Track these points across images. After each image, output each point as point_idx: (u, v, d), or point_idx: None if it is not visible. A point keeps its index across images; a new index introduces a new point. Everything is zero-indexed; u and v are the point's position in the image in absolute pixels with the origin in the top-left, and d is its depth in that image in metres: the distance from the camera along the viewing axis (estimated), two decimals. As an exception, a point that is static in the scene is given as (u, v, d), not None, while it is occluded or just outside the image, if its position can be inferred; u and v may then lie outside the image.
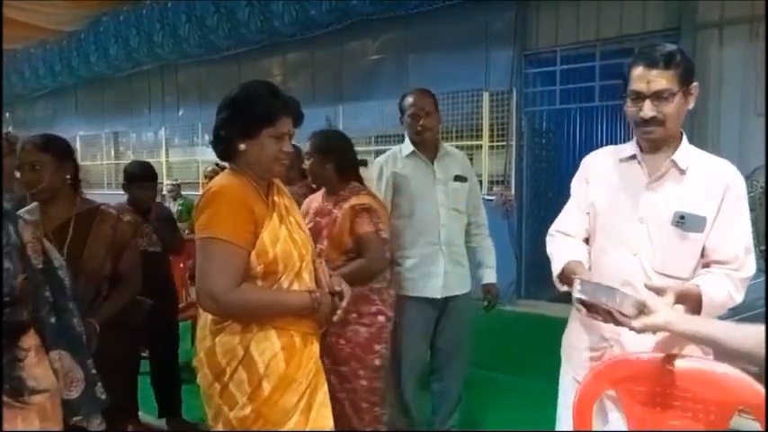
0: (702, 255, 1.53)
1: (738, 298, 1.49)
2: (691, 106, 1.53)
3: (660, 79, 1.46)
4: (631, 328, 1.28)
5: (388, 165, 2.59)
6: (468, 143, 6.46)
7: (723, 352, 1.25)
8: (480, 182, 6.38)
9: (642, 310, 1.27)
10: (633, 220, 1.57)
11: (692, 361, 1.43)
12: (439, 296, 2.53)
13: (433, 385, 2.74)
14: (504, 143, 6.21)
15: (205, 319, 1.63)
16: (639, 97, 1.49)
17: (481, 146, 6.38)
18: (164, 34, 7.84)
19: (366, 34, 7.12)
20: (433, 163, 2.58)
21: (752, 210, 3.65)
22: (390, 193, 2.55)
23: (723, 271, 1.49)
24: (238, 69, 8.50)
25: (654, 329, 1.28)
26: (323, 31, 7.22)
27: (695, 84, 1.52)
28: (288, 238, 1.60)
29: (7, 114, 12.74)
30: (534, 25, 6.00)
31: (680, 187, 1.53)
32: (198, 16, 7.39)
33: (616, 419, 1.51)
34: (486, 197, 6.24)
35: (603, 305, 1.30)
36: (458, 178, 2.61)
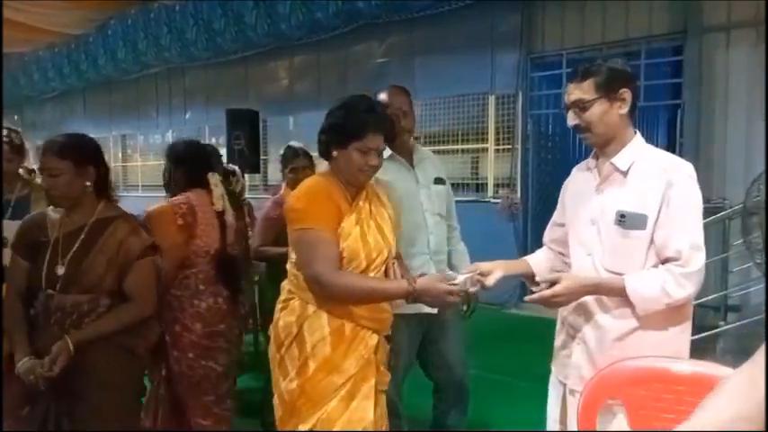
0: (656, 253, 1.57)
1: (678, 293, 1.49)
2: (623, 111, 1.61)
3: (575, 91, 1.64)
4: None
5: None
6: (474, 146, 6.47)
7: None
8: (486, 185, 6.40)
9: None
10: (586, 223, 1.69)
11: (695, 365, 1.44)
12: (435, 311, 2.26)
13: (438, 406, 2.56)
14: (510, 146, 6.20)
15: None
16: (567, 108, 1.69)
17: (487, 149, 6.38)
18: (171, 37, 7.90)
19: (372, 37, 7.14)
20: (413, 167, 2.39)
21: (755, 214, 3.63)
22: None
23: (666, 266, 1.53)
24: (245, 72, 8.54)
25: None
26: (329, 35, 7.25)
27: (624, 89, 1.60)
28: (359, 238, 1.73)
29: (16, 117, 12.84)
30: (540, 28, 6.00)
31: (622, 188, 1.62)
32: (205, 19, 7.44)
33: (618, 422, 1.52)
34: (492, 200, 6.25)
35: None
36: (438, 181, 2.45)
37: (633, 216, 1.56)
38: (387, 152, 2.27)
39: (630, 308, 1.55)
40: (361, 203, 1.80)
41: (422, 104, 6.76)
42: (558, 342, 1.80)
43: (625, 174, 1.61)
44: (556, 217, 1.92)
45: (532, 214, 6.21)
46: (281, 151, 3.23)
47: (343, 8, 6.33)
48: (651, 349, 1.52)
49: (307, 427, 1.69)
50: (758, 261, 3.67)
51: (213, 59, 8.42)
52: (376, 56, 7.20)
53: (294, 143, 3.14)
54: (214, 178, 2.28)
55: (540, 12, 5.97)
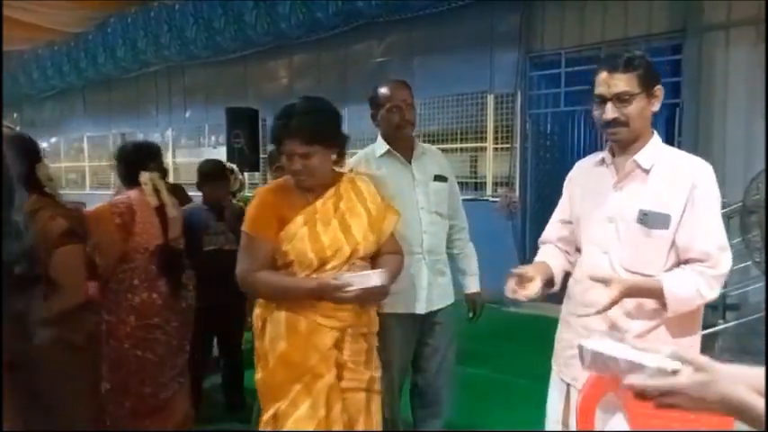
0: (677, 253, 1.56)
1: (710, 295, 1.51)
2: (655, 108, 1.59)
3: (619, 82, 1.54)
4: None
5: (360, 166, 2.27)
6: (473, 145, 6.47)
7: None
8: (484, 184, 6.41)
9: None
10: (603, 220, 1.64)
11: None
12: (423, 312, 2.28)
13: (415, 411, 2.46)
14: (509, 145, 6.21)
15: None
16: (603, 100, 1.57)
17: (485, 148, 6.39)
18: (171, 36, 7.90)
19: (371, 36, 7.14)
20: (410, 162, 2.31)
21: (756, 212, 3.63)
22: None
23: (697, 268, 1.52)
24: (244, 71, 8.55)
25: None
26: (329, 34, 7.25)
27: (658, 87, 1.57)
28: (305, 238, 1.76)
29: (15, 115, 12.83)
30: (539, 27, 6.00)
31: (644, 186, 1.58)
32: (205, 18, 7.44)
33: (618, 421, 1.52)
34: (491, 199, 6.25)
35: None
36: (438, 178, 2.35)
37: (656, 215, 1.53)
38: (383, 147, 2.30)
39: (648, 308, 1.54)
40: (319, 203, 1.80)
41: (421, 103, 6.75)
42: (561, 342, 1.77)
43: (647, 172, 1.58)
44: (562, 214, 1.86)
45: (531, 213, 6.22)
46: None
47: (343, 7, 6.33)
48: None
49: (266, 418, 1.79)
50: (757, 260, 3.68)
51: (213, 58, 8.42)
52: (375, 55, 7.21)
53: None
54: (144, 177, 2.31)
55: (540, 11, 5.97)
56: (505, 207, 6.06)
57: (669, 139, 5.94)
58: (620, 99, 1.54)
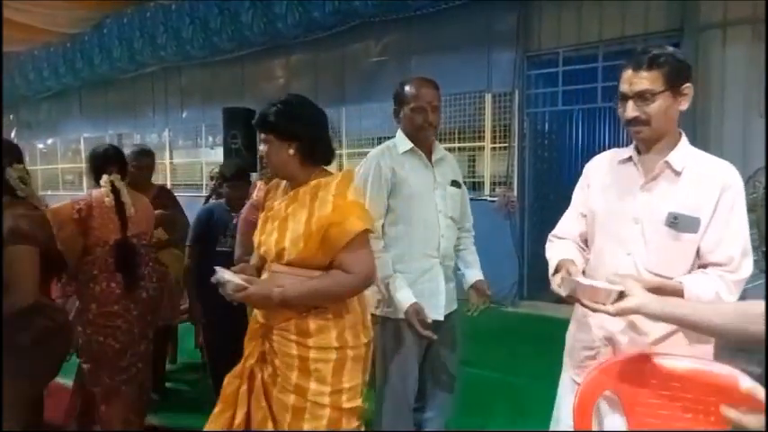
0: (698, 256, 1.54)
1: (729, 299, 1.49)
2: (683, 107, 1.54)
3: (642, 80, 1.51)
4: (608, 313, 1.33)
5: (385, 159, 2.18)
6: (471, 144, 6.47)
7: (697, 330, 1.30)
8: (482, 183, 6.40)
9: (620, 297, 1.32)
10: (628, 221, 1.59)
11: (693, 362, 1.44)
12: (441, 318, 2.20)
13: (414, 415, 2.36)
14: (507, 145, 6.21)
15: None
16: (625, 98, 1.55)
17: (483, 147, 6.38)
18: (167, 36, 7.89)
19: (369, 36, 7.13)
20: (432, 164, 2.26)
21: (753, 211, 3.64)
22: (386, 194, 2.16)
23: (717, 272, 1.50)
24: (241, 71, 8.53)
25: (628, 313, 1.31)
26: (326, 34, 7.24)
27: (687, 85, 1.52)
28: (257, 233, 1.86)
29: (11, 116, 12.79)
30: (537, 27, 6.00)
31: (674, 188, 1.55)
32: (201, 18, 7.43)
33: (616, 421, 1.52)
34: (489, 198, 6.25)
35: (581, 299, 1.39)
36: (454, 183, 2.32)
37: (686, 219, 1.50)
38: (407, 145, 2.20)
39: None
40: (277, 202, 1.84)
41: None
42: (576, 342, 1.73)
43: (679, 174, 1.54)
44: (580, 207, 1.78)
45: (529, 212, 6.22)
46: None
47: (340, 7, 6.33)
48: (684, 352, 1.49)
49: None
50: (756, 258, 3.68)
51: (210, 58, 8.40)
52: (372, 55, 7.20)
53: None
54: (104, 179, 2.52)
55: (537, 10, 5.97)
56: (504, 206, 6.06)
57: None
58: (642, 97, 1.51)
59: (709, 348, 1.58)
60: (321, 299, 1.73)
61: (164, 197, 3.45)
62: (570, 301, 1.47)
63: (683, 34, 5.06)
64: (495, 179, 6.37)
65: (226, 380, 1.86)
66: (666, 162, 1.55)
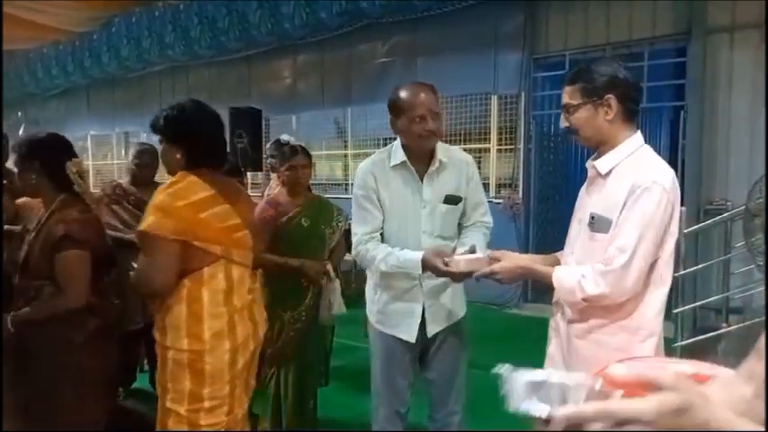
0: None
1: (591, 290, 1.54)
2: (609, 117, 1.61)
3: (564, 95, 1.69)
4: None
5: (375, 172, 2.09)
6: (477, 146, 6.47)
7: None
8: (488, 185, 6.40)
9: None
10: (575, 221, 1.76)
11: (696, 367, 1.43)
12: (413, 340, 2.13)
13: (429, 425, 2.34)
14: (513, 146, 6.21)
15: None
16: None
17: (489, 149, 6.39)
18: (175, 36, 7.92)
19: (375, 37, 7.14)
20: (422, 180, 2.08)
21: (758, 216, 3.61)
22: (379, 205, 2.11)
23: (591, 264, 1.58)
24: (248, 71, 8.56)
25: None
26: (332, 34, 7.25)
27: (609, 96, 1.60)
28: None
29: (19, 113, 12.87)
30: (543, 29, 6.00)
31: (599, 190, 1.66)
32: (209, 18, 7.46)
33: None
34: (494, 200, 6.25)
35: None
36: (449, 200, 2.11)
37: (601, 219, 1.60)
38: (400, 158, 2.07)
39: (591, 308, 1.60)
40: None
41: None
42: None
43: (605, 177, 1.64)
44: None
45: (534, 215, 6.21)
46: (271, 146, 3.15)
47: (347, 8, 6.34)
48: (608, 354, 1.47)
49: None
50: (760, 263, 3.66)
51: (217, 58, 8.43)
52: (379, 55, 7.21)
53: (292, 139, 2.96)
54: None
55: (544, 12, 5.97)
56: (509, 208, 6.06)
57: (673, 142, 5.93)
58: (566, 109, 1.67)
59: (647, 349, 1.58)
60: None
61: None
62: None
63: (690, 37, 5.05)
64: (500, 181, 6.36)
65: None
66: (594, 166, 1.68)
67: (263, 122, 6.53)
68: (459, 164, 2.16)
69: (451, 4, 6.27)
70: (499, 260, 1.75)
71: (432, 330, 2.16)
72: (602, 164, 1.64)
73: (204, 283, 1.81)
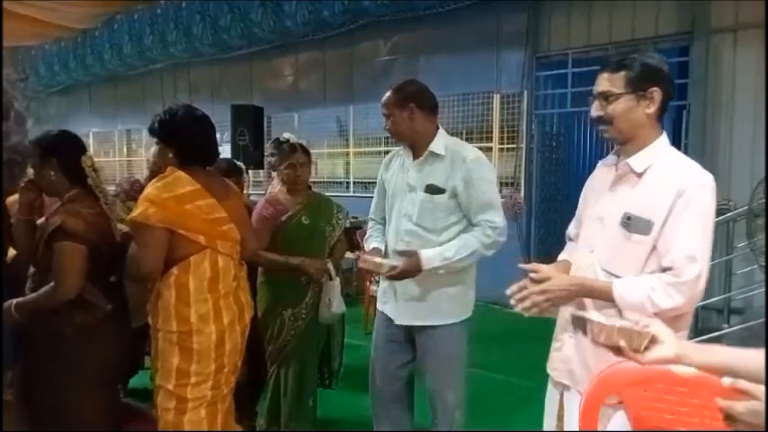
0: (658, 260, 1.55)
1: (666, 303, 1.48)
2: (650, 111, 1.56)
3: (605, 81, 1.58)
4: (639, 362, 1.22)
5: (388, 158, 2.45)
6: (479, 145, 6.44)
7: (742, 378, 1.17)
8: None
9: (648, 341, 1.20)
10: (594, 219, 1.67)
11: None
12: (396, 321, 2.30)
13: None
14: (515, 146, 6.20)
15: None
16: (593, 98, 1.62)
17: (491, 148, 6.37)
18: (177, 33, 7.91)
19: (377, 35, 7.13)
20: (413, 165, 2.26)
21: (760, 216, 3.60)
22: (383, 190, 2.44)
23: (658, 275, 1.51)
24: (250, 69, 8.55)
25: (663, 362, 1.21)
26: (334, 32, 7.25)
27: (654, 89, 1.54)
28: None
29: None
30: (546, 28, 5.99)
31: (634, 189, 1.59)
32: (211, 16, 7.45)
33: (621, 426, 1.51)
34: (496, 199, 6.23)
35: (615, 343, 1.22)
36: (429, 189, 2.18)
37: (639, 220, 1.53)
38: (402, 145, 2.36)
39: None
40: None
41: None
42: (554, 342, 1.80)
43: (640, 175, 1.58)
44: (578, 212, 1.88)
45: (536, 214, 6.20)
46: (271, 144, 3.15)
47: (349, 6, 6.33)
48: None
49: None
50: (762, 264, 3.66)
51: (219, 56, 8.42)
52: (381, 54, 7.20)
53: (292, 137, 2.92)
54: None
55: (547, 11, 5.95)
56: (510, 208, 6.05)
57: (676, 141, 5.92)
58: (604, 98, 1.57)
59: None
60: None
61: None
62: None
63: (693, 37, 5.04)
64: (502, 180, 6.35)
65: None
66: (627, 164, 1.60)
67: (265, 120, 6.54)
68: (456, 160, 2.20)
69: (454, 2, 6.26)
70: (548, 278, 1.57)
71: (399, 320, 2.30)
72: (636, 162, 1.58)
73: (191, 271, 1.98)
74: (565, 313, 1.74)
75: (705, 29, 4.97)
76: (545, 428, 1.82)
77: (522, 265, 1.65)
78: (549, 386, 1.82)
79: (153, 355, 2.04)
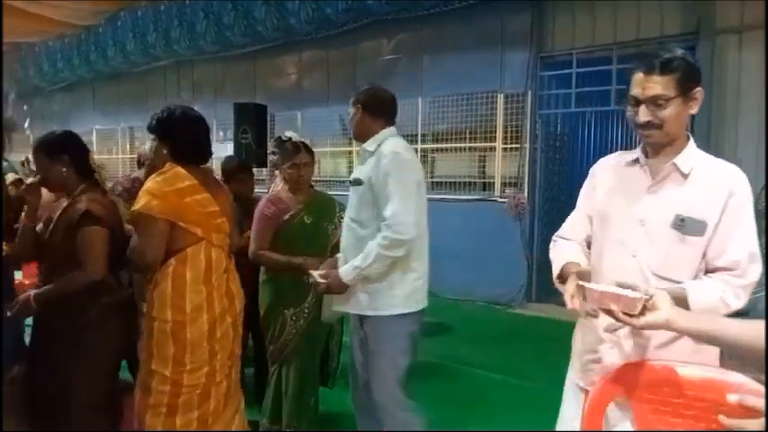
0: (705, 261, 1.53)
1: (736, 304, 1.47)
2: (694, 111, 1.53)
3: (655, 85, 1.48)
4: (633, 326, 1.29)
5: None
6: (482, 145, 6.45)
7: (724, 347, 1.29)
8: (493, 184, 6.38)
9: (645, 308, 1.27)
10: (634, 222, 1.58)
11: (705, 369, 1.42)
12: (338, 310, 2.42)
13: None
14: (518, 145, 6.18)
15: None
16: (637, 102, 1.52)
17: (495, 148, 6.36)
18: (181, 31, 7.92)
19: (381, 34, 7.12)
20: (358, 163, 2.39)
21: (764, 218, 3.59)
22: None
23: (722, 277, 1.49)
24: (253, 67, 8.55)
25: (655, 327, 1.28)
26: (338, 31, 7.25)
27: (698, 89, 1.51)
28: None
29: (25, 107, 12.90)
30: (550, 27, 5.97)
31: (681, 190, 1.54)
32: (215, 14, 7.46)
33: (626, 428, 1.50)
34: (499, 199, 6.23)
35: (610, 309, 1.32)
36: (355, 181, 2.30)
37: (693, 221, 1.49)
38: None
39: None
40: None
41: (429, 102, 6.74)
42: (579, 345, 1.72)
43: (686, 176, 1.54)
44: (586, 210, 1.77)
45: (539, 214, 6.19)
46: (273, 143, 3.15)
47: (353, 5, 6.33)
48: (688, 357, 1.47)
49: None
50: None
51: (222, 53, 8.44)
52: (384, 53, 7.19)
53: (294, 135, 2.89)
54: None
55: (551, 11, 5.94)
56: (513, 208, 6.03)
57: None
58: (655, 102, 1.48)
59: (714, 355, 1.56)
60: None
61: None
62: (592, 313, 1.39)
63: (698, 37, 5.02)
64: (505, 180, 6.34)
65: None
66: (674, 164, 1.55)
67: (269, 118, 6.53)
68: (381, 155, 2.23)
69: (458, 1, 6.25)
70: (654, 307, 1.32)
71: (341, 308, 2.35)
72: (683, 162, 1.54)
73: (188, 262, 2.08)
74: (599, 326, 1.60)
75: (710, 29, 4.95)
76: (558, 423, 1.77)
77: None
78: (570, 392, 1.75)
79: (145, 340, 2.12)
